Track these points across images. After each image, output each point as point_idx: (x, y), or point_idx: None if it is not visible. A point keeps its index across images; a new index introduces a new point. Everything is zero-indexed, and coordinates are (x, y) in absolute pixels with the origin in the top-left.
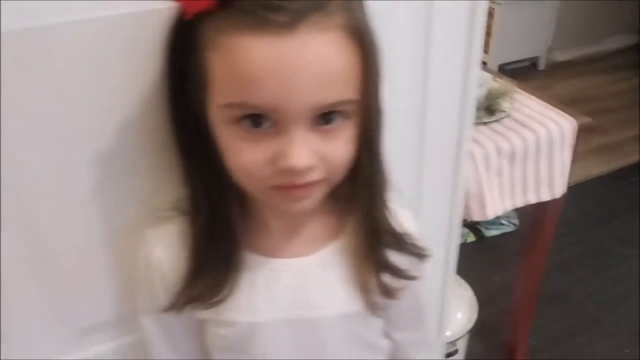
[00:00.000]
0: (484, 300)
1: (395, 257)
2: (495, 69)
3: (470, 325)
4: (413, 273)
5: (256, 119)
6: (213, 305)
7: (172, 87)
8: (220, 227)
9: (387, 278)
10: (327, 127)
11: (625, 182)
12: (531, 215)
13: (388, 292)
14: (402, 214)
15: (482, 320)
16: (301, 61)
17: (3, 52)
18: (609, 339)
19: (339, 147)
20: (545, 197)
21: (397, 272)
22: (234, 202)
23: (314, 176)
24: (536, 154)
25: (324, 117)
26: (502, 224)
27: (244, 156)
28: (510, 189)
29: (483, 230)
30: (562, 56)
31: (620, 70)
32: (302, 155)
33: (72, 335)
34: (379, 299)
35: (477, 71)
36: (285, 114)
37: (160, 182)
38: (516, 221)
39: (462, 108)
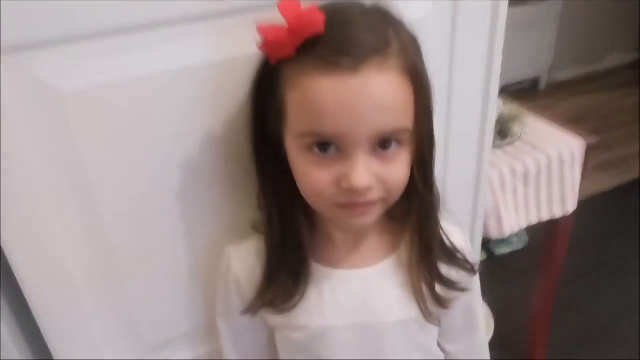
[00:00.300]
0: (499, 317)
1: (446, 270)
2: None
3: (487, 340)
4: (463, 285)
5: (324, 146)
6: (285, 310)
7: (255, 120)
8: (291, 242)
9: (439, 289)
10: (385, 152)
11: (632, 197)
12: (544, 232)
13: (441, 302)
14: (452, 230)
15: (498, 336)
16: (363, 97)
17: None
18: (624, 348)
19: (395, 170)
20: (558, 213)
21: (448, 284)
22: (303, 219)
23: (373, 195)
24: (548, 174)
25: (382, 144)
26: (512, 242)
27: (314, 178)
28: (524, 207)
29: (494, 248)
30: (562, 76)
31: (621, 88)
32: (362, 177)
33: (146, 348)
34: (433, 308)
35: (495, 102)
36: (349, 141)
37: (238, 206)
38: (526, 238)
39: (481, 135)
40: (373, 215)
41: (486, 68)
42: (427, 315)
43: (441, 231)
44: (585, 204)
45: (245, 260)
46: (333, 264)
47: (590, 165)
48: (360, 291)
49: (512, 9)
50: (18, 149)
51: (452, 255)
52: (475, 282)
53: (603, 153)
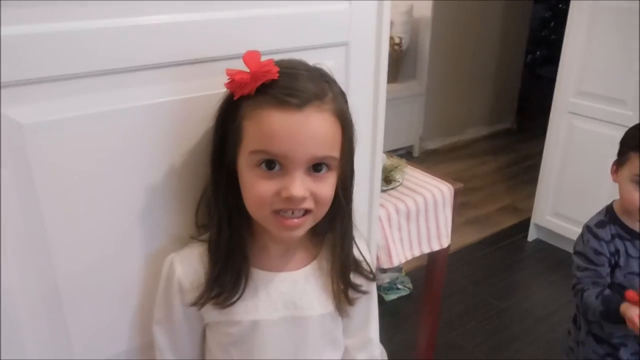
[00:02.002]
0: (390, 356)
1: (353, 276)
2: None
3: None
4: (365, 289)
5: (270, 164)
6: (226, 306)
7: (216, 144)
8: (236, 248)
9: (348, 290)
10: (317, 174)
11: (495, 247)
12: (422, 280)
13: (349, 300)
14: (360, 245)
15: None
16: (304, 127)
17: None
18: None
19: (324, 187)
20: (436, 247)
21: (354, 287)
22: (246, 232)
23: (306, 204)
24: (425, 213)
25: (315, 167)
26: (398, 289)
27: (260, 188)
28: (408, 241)
29: (383, 294)
30: (432, 145)
31: (479, 156)
32: (299, 188)
33: None
34: (344, 304)
35: (380, 154)
36: (290, 161)
37: (182, 221)
38: (410, 285)
39: (371, 181)
40: (302, 229)
41: (372, 124)
42: (340, 310)
43: (355, 245)
44: (457, 255)
45: (188, 264)
46: (267, 268)
47: (460, 221)
48: (289, 290)
49: (387, 85)
50: None
51: (359, 266)
52: (373, 287)
53: (470, 210)
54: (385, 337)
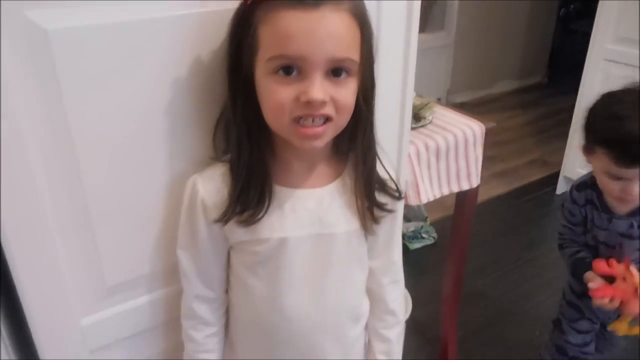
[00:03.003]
0: (414, 304)
1: (378, 194)
2: None
3: (407, 316)
4: (390, 207)
5: (288, 69)
6: (251, 223)
7: (232, 56)
8: (258, 165)
9: (373, 208)
10: (337, 79)
11: (522, 200)
12: (447, 231)
13: (374, 218)
14: (385, 163)
15: (413, 321)
16: (321, 27)
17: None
18: (521, 327)
19: (345, 93)
20: (465, 186)
21: (379, 205)
22: (267, 149)
23: (326, 110)
24: (456, 151)
25: (335, 71)
26: (423, 238)
27: (278, 94)
28: (437, 179)
29: (407, 243)
30: (459, 98)
31: (507, 110)
32: (319, 92)
33: (105, 290)
34: (369, 222)
35: (411, 91)
36: (308, 63)
37: (201, 142)
38: (435, 235)
39: (402, 116)
40: (323, 139)
41: (403, 70)
42: (365, 228)
43: (378, 161)
44: (484, 207)
45: (211, 184)
46: (291, 185)
47: (488, 173)
48: (314, 207)
49: None
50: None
51: (384, 184)
52: (400, 206)
53: (498, 164)
54: (409, 285)
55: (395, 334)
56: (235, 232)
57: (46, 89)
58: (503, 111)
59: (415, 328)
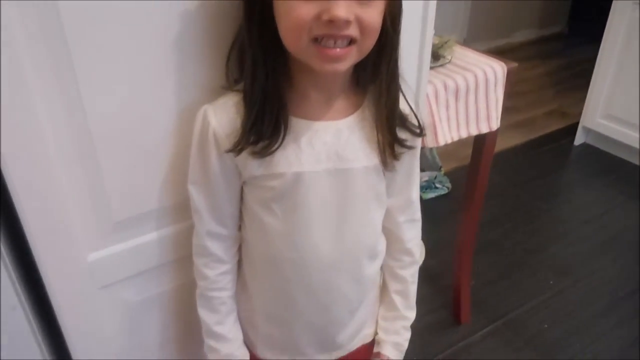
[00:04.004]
0: (428, 253)
1: (399, 131)
2: None
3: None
4: (410, 144)
5: None
6: (266, 154)
7: None
8: (273, 93)
9: (394, 144)
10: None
11: (538, 151)
12: (461, 181)
13: (394, 154)
14: (407, 96)
15: (427, 270)
16: None
17: None
18: (535, 276)
19: (371, 13)
20: (484, 129)
21: (400, 141)
22: (283, 78)
23: (350, 31)
24: (475, 92)
25: None
26: (437, 187)
27: (297, 11)
28: (455, 120)
29: (421, 193)
30: (476, 47)
31: (526, 60)
32: (343, 10)
33: (112, 226)
34: (389, 158)
35: (431, 30)
36: None
37: (213, 71)
38: (449, 185)
39: (420, 53)
40: (346, 62)
41: (423, 11)
42: (384, 164)
43: (401, 94)
44: (500, 157)
45: (223, 114)
46: (308, 116)
47: (504, 124)
48: (332, 141)
49: None
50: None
51: (405, 119)
52: (419, 143)
53: (514, 114)
54: (423, 235)
55: (410, 274)
56: (249, 166)
57: (44, 8)
58: (521, 61)
59: (427, 277)
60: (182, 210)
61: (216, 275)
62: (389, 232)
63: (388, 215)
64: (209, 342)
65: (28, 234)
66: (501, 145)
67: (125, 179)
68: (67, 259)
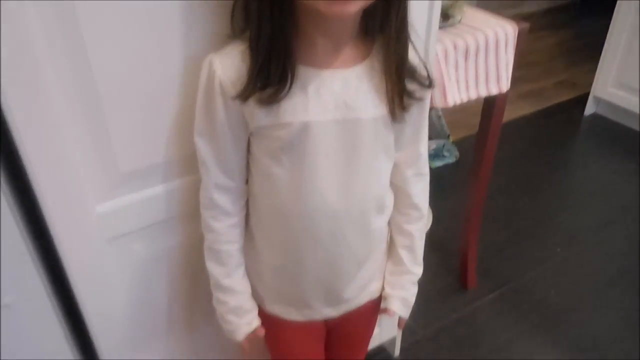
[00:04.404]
0: (435, 220)
1: (408, 82)
2: None
3: (428, 226)
4: (419, 95)
5: None
6: (274, 101)
7: None
8: (279, 41)
9: (402, 94)
10: None
11: (547, 121)
12: (469, 150)
13: (403, 104)
14: (417, 46)
15: (434, 237)
16: None
17: None
18: (542, 244)
19: None
20: (494, 90)
21: (409, 93)
22: (290, 24)
23: None
24: (485, 52)
25: None
26: (444, 156)
27: None
28: (465, 81)
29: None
30: None
31: (537, 31)
32: None
33: (119, 178)
34: (397, 109)
35: None
36: None
37: (218, 18)
38: (457, 153)
39: (430, 13)
40: (355, 4)
41: None
42: (392, 114)
43: (410, 44)
44: (509, 127)
45: (229, 62)
46: (316, 65)
47: (514, 93)
48: (340, 90)
49: None
50: None
51: (414, 70)
52: (428, 95)
53: (523, 84)
54: (430, 202)
55: (417, 229)
56: (256, 115)
57: None
58: (531, 32)
59: (434, 243)
60: (188, 163)
61: (224, 228)
62: (397, 188)
63: (396, 170)
64: (218, 295)
65: (35, 185)
66: (510, 115)
67: (130, 129)
68: (75, 210)
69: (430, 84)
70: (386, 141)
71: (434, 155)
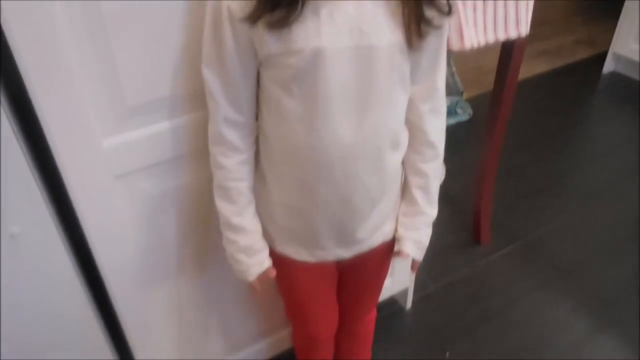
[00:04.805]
0: (448, 176)
1: (427, 8)
2: None
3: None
4: (437, 23)
5: None
6: (284, 25)
7: None
8: None
9: (420, 20)
10: None
11: (566, 77)
12: (483, 108)
13: (420, 32)
14: None
15: (447, 192)
16: None
17: None
18: (557, 201)
19: None
20: (513, 33)
21: (426, 20)
22: None
23: None
24: None
25: None
26: (457, 113)
27: None
28: (483, 24)
29: None
30: None
31: None
32: None
33: (126, 111)
34: (414, 36)
35: None
36: None
37: None
38: (470, 111)
39: None
40: None
41: None
42: (409, 42)
43: None
44: (524, 84)
45: None
46: None
47: (528, 52)
48: (355, 16)
49: None
50: None
51: None
52: (446, 24)
53: (540, 42)
54: (444, 158)
55: (432, 168)
56: (266, 41)
57: None
58: None
59: (448, 199)
60: (196, 99)
61: (233, 165)
62: (412, 125)
63: (411, 105)
64: (228, 234)
65: (41, 116)
66: (525, 72)
67: (137, 61)
68: (82, 144)
69: (449, 11)
70: (402, 71)
71: (447, 113)
